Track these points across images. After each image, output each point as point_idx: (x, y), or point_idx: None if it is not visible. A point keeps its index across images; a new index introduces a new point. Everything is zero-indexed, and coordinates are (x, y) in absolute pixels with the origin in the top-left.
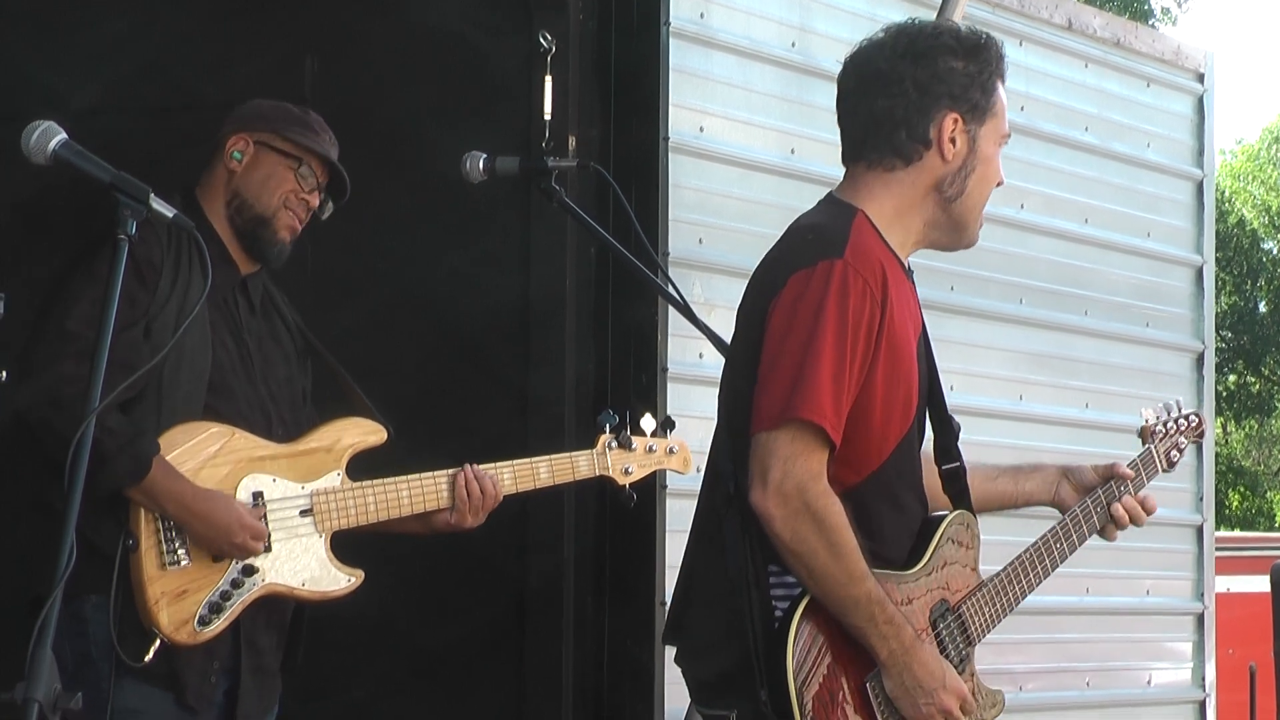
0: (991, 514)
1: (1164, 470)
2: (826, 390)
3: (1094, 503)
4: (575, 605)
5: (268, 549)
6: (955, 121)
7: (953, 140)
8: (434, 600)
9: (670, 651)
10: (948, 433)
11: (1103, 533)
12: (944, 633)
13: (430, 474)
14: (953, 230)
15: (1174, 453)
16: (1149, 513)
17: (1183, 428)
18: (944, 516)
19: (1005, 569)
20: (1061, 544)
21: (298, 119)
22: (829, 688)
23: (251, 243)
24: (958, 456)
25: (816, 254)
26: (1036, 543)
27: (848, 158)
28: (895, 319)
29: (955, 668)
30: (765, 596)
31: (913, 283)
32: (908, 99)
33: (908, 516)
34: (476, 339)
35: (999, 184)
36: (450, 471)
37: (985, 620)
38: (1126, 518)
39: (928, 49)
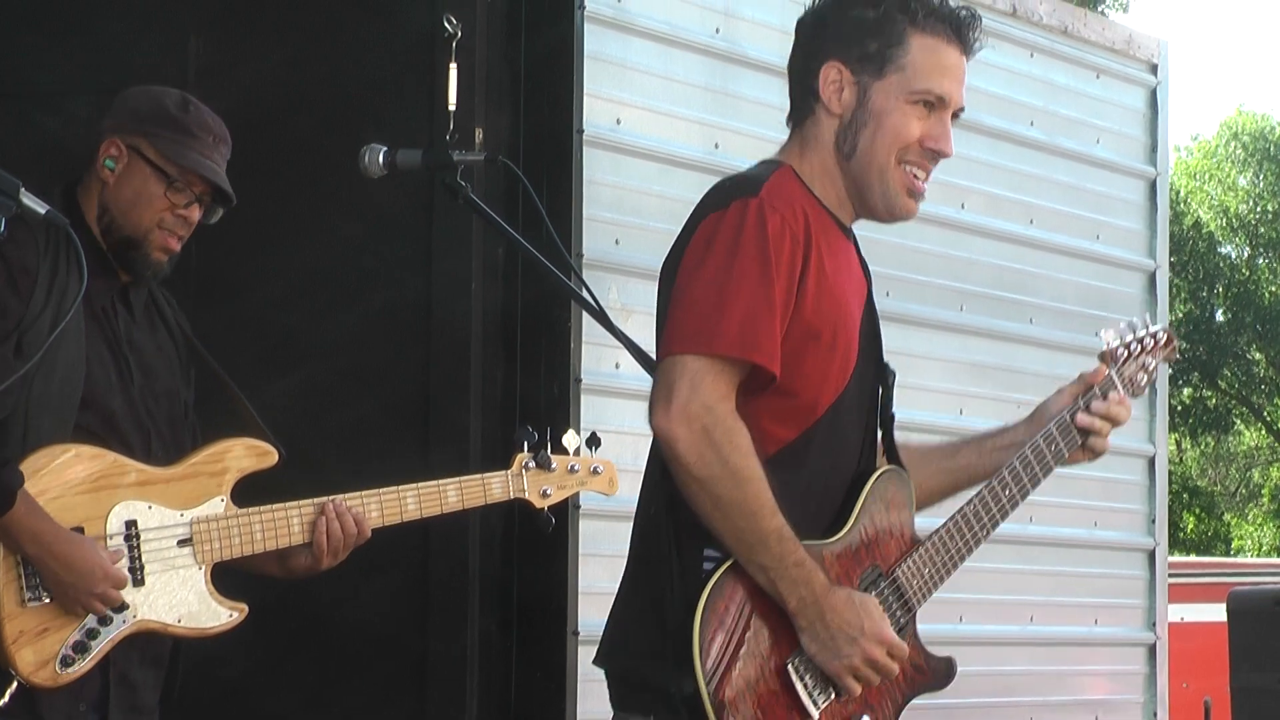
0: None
1: (1131, 395)
2: (755, 322)
3: (1057, 426)
4: (480, 639)
5: (140, 582)
6: (839, 72)
7: (837, 92)
8: (318, 638)
9: (583, 688)
10: (883, 380)
11: (1086, 449)
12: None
13: (328, 500)
14: (859, 194)
15: (1141, 375)
16: (1123, 419)
17: (1149, 346)
18: (869, 475)
19: (947, 522)
20: (1010, 488)
21: (173, 121)
22: (745, 676)
23: (124, 262)
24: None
25: (731, 197)
26: (982, 488)
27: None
28: (827, 269)
29: None
30: (691, 568)
31: (854, 243)
32: (801, 49)
33: (839, 482)
34: (373, 347)
35: (923, 144)
36: (342, 497)
37: (924, 583)
38: (1099, 424)
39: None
